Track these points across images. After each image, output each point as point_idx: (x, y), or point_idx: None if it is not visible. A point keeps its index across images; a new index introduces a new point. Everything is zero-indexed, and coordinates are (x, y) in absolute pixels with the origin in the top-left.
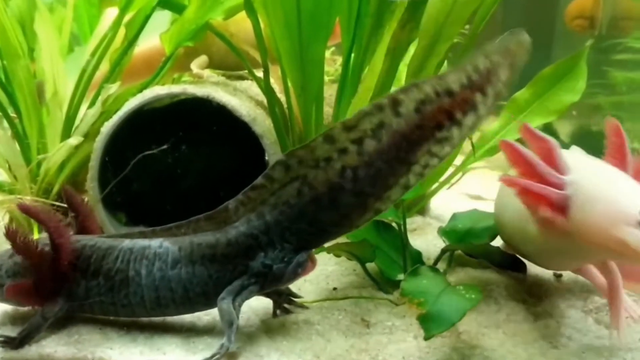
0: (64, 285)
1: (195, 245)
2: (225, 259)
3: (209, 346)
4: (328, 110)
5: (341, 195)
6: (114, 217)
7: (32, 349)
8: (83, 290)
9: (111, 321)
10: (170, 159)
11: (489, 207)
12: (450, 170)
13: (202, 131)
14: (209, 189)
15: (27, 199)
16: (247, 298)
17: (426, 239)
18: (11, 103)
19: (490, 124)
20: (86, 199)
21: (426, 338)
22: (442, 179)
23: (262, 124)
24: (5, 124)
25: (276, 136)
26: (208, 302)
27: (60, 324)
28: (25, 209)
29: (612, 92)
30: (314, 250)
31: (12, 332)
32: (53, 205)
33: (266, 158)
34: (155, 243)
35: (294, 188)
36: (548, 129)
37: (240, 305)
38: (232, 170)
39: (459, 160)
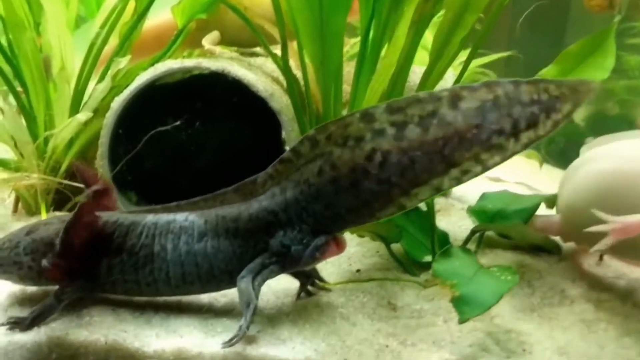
0: (85, 263)
1: (220, 218)
2: (247, 234)
3: (227, 328)
4: (346, 88)
5: (364, 180)
6: (125, 196)
7: (41, 331)
8: (105, 268)
9: (124, 302)
10: (184, 136)
11: (509, 189)
12: None
13: (217, 107)
14: (224, 167)
15: (34, 177)
16: (268, 278)
17: (450, 221)
18: (17, 77)
19: None
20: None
21: (461, 321)
22: None
23: (279, 100)
24: (11, 99)
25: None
26: (232, 280)
27: (70, 305)
28: (79, 170)
29: (625, 76)
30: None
31: (20, 313)
32: (61, 183)
33: (283, 135)
34: (180, 217)
35: (316, 166)
36: None
37: (260, 285)
38: (248, 148)
39: None
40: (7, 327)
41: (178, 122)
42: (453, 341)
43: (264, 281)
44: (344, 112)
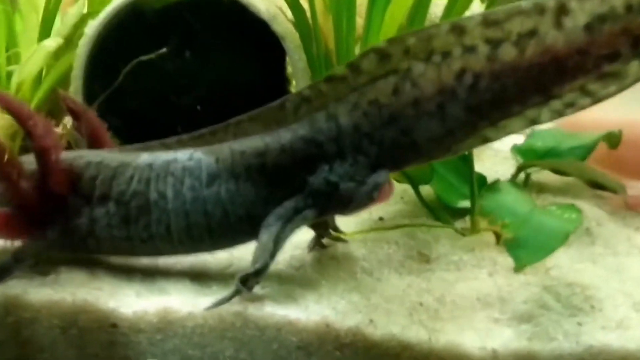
0: (57, 215)
1: (238, 153)
2: (277, 171)
3: (224, 286)
4: (359, 21)
5: (451, 104)
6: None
7: None
8: (86, 220)
9: (99, 258)
10: (172, 67)
11: None
12: None
13: (211, 35)
14: (219, 105)
15: None
16: (299, 226)
17: (483, 165)
18: None
19: None
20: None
21: (517, 269)
22: None
23: (283, 24)
24: None
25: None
26: (254, 230)
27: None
28: (4, 102)
29: None
30: None
31: None
32: None
33: (287, 66)
34: (183, 155)
35: (389, 84)
36: None
37: (286, 237)
38: (247, 83)
39: None
40: None
41: (164, 50)
42: (502, 297)
43: (293, 231)
44: (357, 49)
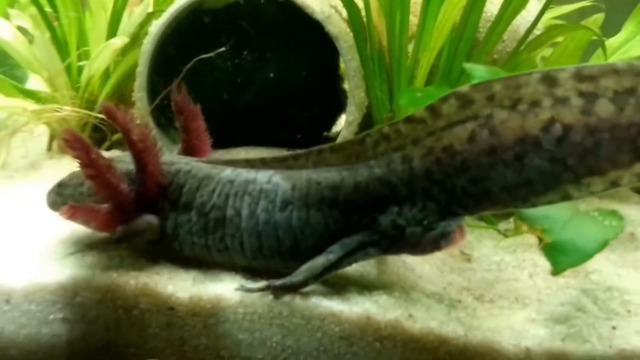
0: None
1: (314, 183)
2: (348, 207)
3: (274, 276)
4: (412, 19)
5: (533, 153)
6: (166, 134)
7: (65, 272)
8: (172, 224)
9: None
10: (230, 67)
11: None
12: None
13: (267, 35)
14: (275, 102)
15: (66, 110)
16: (359, 261)
17: None
18: (49, 2)
19: (614, 37)
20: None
21: (555, 273)
22: None
23: (337, 24)
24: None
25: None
26: None
27: (101, 246)
28: (107, 111)
29: None
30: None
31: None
32: (98, 118)
33: (341, 67)
34: (262, 177)
35: (466, 130)
36: None
37: (342, 268)
38: (301, 81)
39: None
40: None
41: (222, 49)
42: (540, 299)
43: (350, 264)
44: (410, 47)
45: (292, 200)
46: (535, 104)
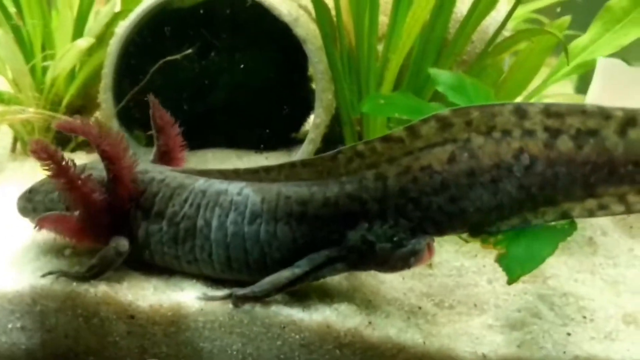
0: (125, 224)
1: (283, 197)
2: (316, 222)
3: (235, 287)
4: (383, 19)
5: (506, 179)
6: (132, 135)
7: (23, 280)
8: (143, 233)
9: None
10: (197, 67)
11: None
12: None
13: (234, 36)
14: (242, 103)
15: (30, 112)
16: (326, 276)
17: None
18: (13, 1)
19: (579, 37)
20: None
21: (510, 282)
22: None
23: (305, 25)
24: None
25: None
26: None
27: (59, 252)
28: (64, 127)
29: None
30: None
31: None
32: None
33: (309, 70)
34: (233, 188)
35: (446, 151)
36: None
37: (313, 280)
38: (269, 83)
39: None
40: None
41: (189, 51)
42: (498, 304)
43: (317, 279)
44: (380, 47)
45: (261, 213)
46: (507, 133)
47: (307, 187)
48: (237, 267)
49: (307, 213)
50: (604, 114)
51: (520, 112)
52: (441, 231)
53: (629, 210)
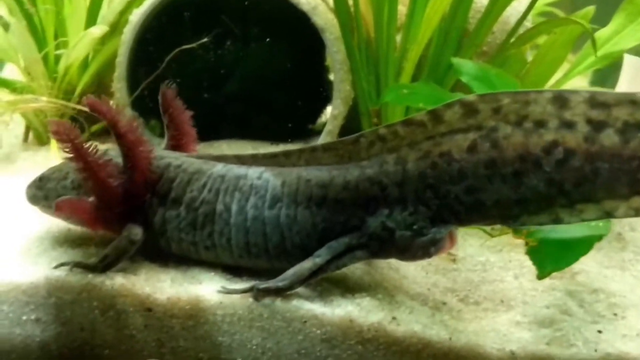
0: (141, 211)
1: (304, 181)
2: (337, 206)
3: (255, 279)
4: (402, 9)
5: (532, 173)
6: (146, 125)
7: (38, 271)
8: (160, 220)
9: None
10: (213, 57)
11: None
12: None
13: (251, 25)
14: (259, 94)
15: (43, 100)
16: (347, 264)
17: None
18: None
19: (602, 29)
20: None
21: (540, 277)
22: None
23: (323, 15)
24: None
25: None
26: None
27: (75, 242)
28: (92, 105)
29: None
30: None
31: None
32: (75, 109)
33: (326, 58)
34: (253, 172)
35: (467, 139)
36: None
37: (329, 272)
38: (287, 73)
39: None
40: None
41: (205, 40)
42: (526, 301)
43: (339, 268)
44: (398, 37)
45: (281, 197)
46: (540, 123)
47: (327, 170)
48: (256, 252)
49: (327, 197)
50: None
51: (561, 100)
52: (461, 221)
53: None
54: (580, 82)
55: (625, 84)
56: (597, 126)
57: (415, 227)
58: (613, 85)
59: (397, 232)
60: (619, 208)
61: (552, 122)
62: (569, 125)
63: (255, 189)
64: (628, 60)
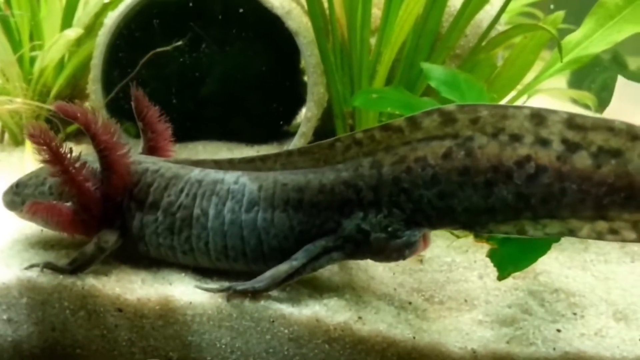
0: (118, 215)
1: (280, 185)
2: (313, 209)
3: (225, 280)
4: (377, 13)
5: (503, 185)
6: (121, 127)
7: (10, 272)
8: (138, 224)
9: None
10: (188, 60)
11: None
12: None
13: (226, 28)
14: (234, 96)
15: (18, 102)
16: (324, 266)
17: None
18: None
19: (572, 33)
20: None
21: (500, 278)
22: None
23: (297, 18)
24: None
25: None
26: (284, 261)
27: (47, 244)
28: (63, 110)
29: None
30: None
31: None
32: (50, 110)
33: (302, 63)
34: (230, 177)
35: (443, 146)
36: (617, 59)
37: (305, 274)
38: (261, 76)
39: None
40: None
41: (179, 43)
42: (489, 300)
43: (315, 269)
44: (373, 40)
45: (258, 201)
46: (516, 137)
47: (303, 174)
48: (234, 255)
49: (303, 200)
50: (632, 134)
51: (539, 118)
52: (433, 225)
53: (634, 240)
54: (558, 83)
55: (615, 106)
56: (572, 147)
57: (389, 229)
58: (589, 87)
59: (372, 235)
60: (582, 229)
61: (527, 137)
62: (544, 142)
63: (232, 194)
64: (620, 82)
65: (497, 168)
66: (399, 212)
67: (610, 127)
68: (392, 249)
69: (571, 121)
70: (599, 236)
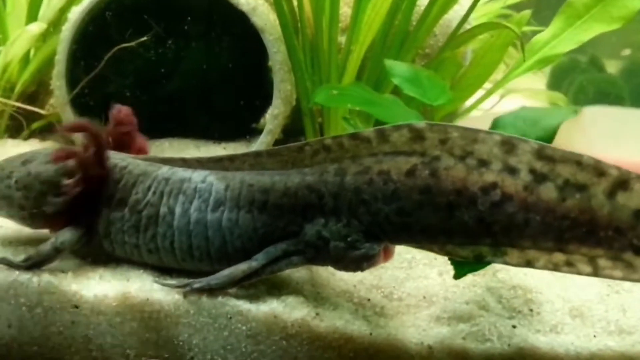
0: (84, 213)
1: (246, 185)
2: (277, 211)
3: (183, 276)
4: (347, 11)
5: (464, 209)
6: None
7: None
8: (104, 222)
9: None
10: (154, 55)
11: None
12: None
13: (192, 24)
14: (201, 93)
15: None
16: (284, 269)
17: None
18: None
19: (541, 33)
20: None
21: (457, 277)
22: (474, 98)
23: (263, 15)
24: None
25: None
26: None
27: (7, 241)
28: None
29: None
30: None
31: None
32: (14, 106)
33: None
34: (197, 176)
35: (408, 163)
36: (594, 61)
37: (263, 276)
38: (228, 72)
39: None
40: None
41: (144, 38)
42: (447, 297)
43: (274, 272)
44: (342, 39)
45: (225, 201)
46: (484, 163)
47: (270, 176)
48: (199, 255)
49: (268, 202)
50: (598, 170)
51: (509, 145)
52: (390, 240)
53: (595, 274)
54: (537, 84)
55: (580, 132)
56: (539, 178)
57: (349, 239)
58: (567, 89)
59: (331, 243)
60: (539, 260)
61: (495, 163)
62: (512, 170)
63: (199, 192)
64: (587, 110)
65: (460, 192)
66: (357, 223)
67: (578, 161)
68: (350, 260)
69: (541, 152)
70: (555, 267)
